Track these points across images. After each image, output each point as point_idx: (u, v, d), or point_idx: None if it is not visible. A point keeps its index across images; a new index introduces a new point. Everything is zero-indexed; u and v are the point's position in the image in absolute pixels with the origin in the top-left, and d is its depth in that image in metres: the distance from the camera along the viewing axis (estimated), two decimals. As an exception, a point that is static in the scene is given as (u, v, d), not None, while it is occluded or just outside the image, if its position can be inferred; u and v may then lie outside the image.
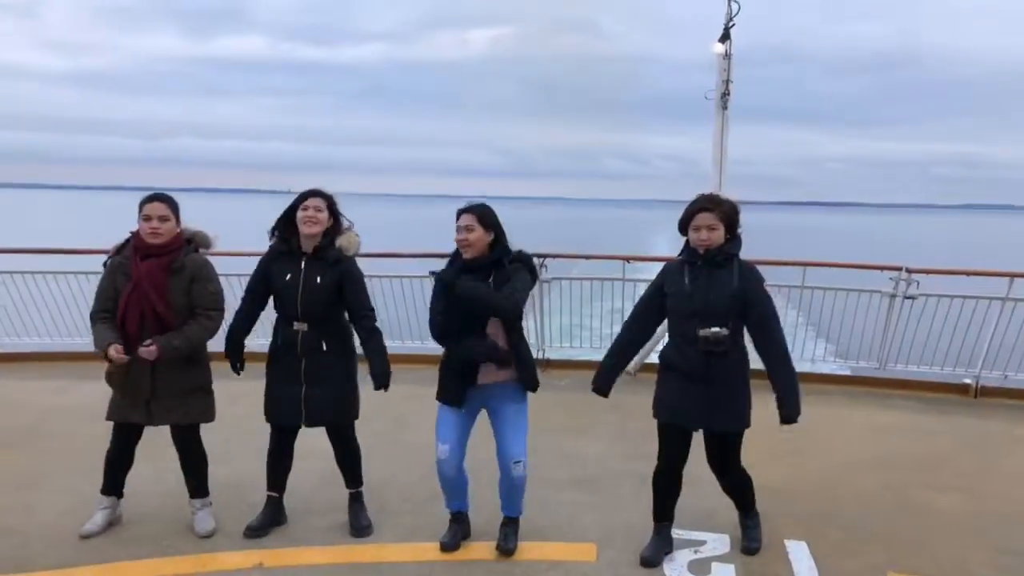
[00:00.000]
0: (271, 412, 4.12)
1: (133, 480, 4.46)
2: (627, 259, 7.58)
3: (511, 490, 4.06)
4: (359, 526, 4.16)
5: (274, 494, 4.22)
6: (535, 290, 7.81)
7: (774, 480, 5.05)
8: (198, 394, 4.04)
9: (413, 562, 3.92)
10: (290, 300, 3.97)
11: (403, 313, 7.76)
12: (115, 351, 3.76)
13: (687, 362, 3.76)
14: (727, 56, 6.65)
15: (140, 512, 4.36)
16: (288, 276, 3.97)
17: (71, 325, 8.04)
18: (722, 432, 3.85)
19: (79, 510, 4.26)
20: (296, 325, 3.97)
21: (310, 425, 4.09)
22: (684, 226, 3.83)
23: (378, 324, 4.15)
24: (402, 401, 5.66)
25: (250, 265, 4.29)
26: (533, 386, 3.98)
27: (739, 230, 3.83)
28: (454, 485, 4.06)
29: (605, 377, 4.02)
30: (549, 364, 8.13)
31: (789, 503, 4.73)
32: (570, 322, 8.29)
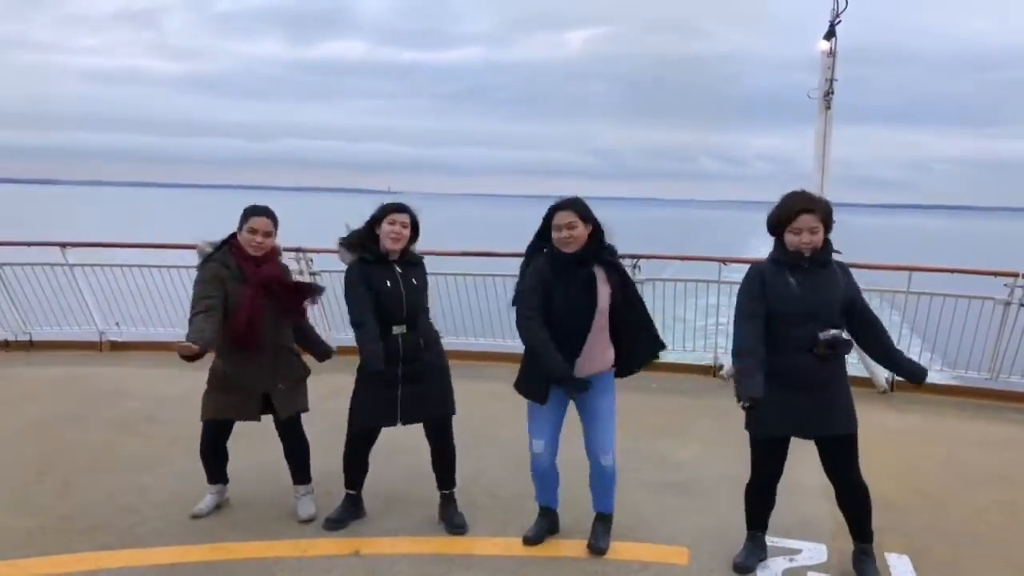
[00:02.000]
0: (360, 413, 4.13)
1: (241, 467, 4.69)
2: (724, 261, 7.42)
3: (601, 484, 4.07)
4: (454, 524, 4.22)
5: (352, 492, 4.32)
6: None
7: (878, 492, 4.80)
8: (303, 384, 4.27)
9: (504, 556, 3.97)
10: (395, 305, 4.01)
11: (494, 311, 7.83)
12: (185, 348, 3.75)
13: (797, 369, 3.60)
14: (831, 54, 6.45)
15: (247, 497, 4.56)
16: (389, 283, 4.03)
17: (180, 317, 8.44)
18: (842, 435, 3.69)
19: (189, 492, 4.49)
20: (396, 329, 4.02)
21: (407, 422, 4.12)
22: (780, 227, 3.65)
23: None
24: (492, 399, 5.76)
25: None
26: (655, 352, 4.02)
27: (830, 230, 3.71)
28: (547, 480, 4.11)
29: (754, 381, 3.59)
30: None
31: (894, 516, 4.56)
32: (662, 324, 8.20)
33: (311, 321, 4.49)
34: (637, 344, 3.97)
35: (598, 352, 3.89)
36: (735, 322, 3.74)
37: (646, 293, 7.88)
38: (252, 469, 4.82)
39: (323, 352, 4.38)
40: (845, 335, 3.62)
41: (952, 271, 7.55)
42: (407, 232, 4.06)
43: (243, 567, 3.80)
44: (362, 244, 4.04)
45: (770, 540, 4.09)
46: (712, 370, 7.94)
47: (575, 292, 3.79)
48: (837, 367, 3.67)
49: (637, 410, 6.54)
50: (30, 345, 8.70)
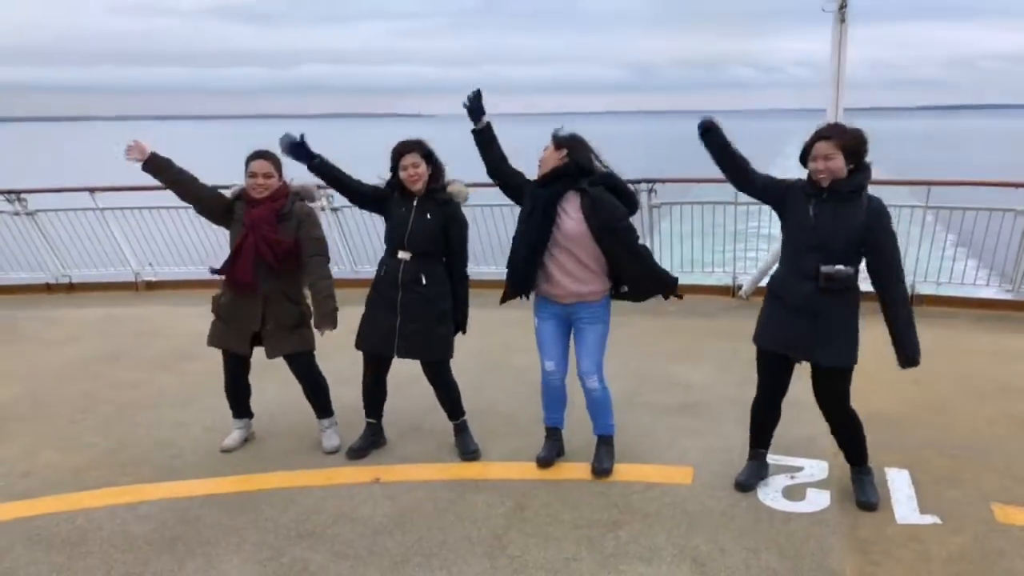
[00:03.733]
0: (364, 338, 4.31)
1: (270, 401, 4.95)
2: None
3: (593, 407, 4.26)
4: (467, 451, 4.44)
5: (373, 420, 4.54)
6: (644, 216, 7.83)
7: (883, 406, 5.02)
8: (301, 328, 4.38)
9: (517, 479, 4.18)
10: (400, 229, 4.17)
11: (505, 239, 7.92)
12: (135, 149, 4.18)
13: (797, 294, 3.68)
14: (845, -40, 6.29)
15: (274, 430, 4.83)
16: (403, 209, 4.19)
17: (211, 255, 8.68)
18: (828, 367, 3.76)
19: (222, 427, 4.75)
20: (400, 254, 4.18)
21: (401, 356, 4.28)
22: (804, 158, 3.68)
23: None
24: (510, 326, 5.91)
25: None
26: (672, 284, 4.14)
27: (866, 160, 3.63)
28: (556, 398, 4.32)
29: (712, 123, 3.79)
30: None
31: (897, 430, 4.69)
32: (681, 248, 8.25)
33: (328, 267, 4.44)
34: (638, 283, 4.10)
35: (572, 280, 4.01)
36: None
37: (663, 217, 7.93)
38: (280, 403, 5.08)
39: (316, 320, 4.30)
40: (850, 271, 3.58)
41: (972, 183, 7.45)
42: (421, 171, 4.15)
43: (271, 496, 4.06)
44: (391, 186, 4.24)
45: (773, 458, 4.25)
46: (731, 291, 8.02)
47: (531, 212, 3.98)
48: (842, 299, 3.65)
49: (653, 334, 6.69)
50: (70, 287, 9.05)
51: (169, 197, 4.53)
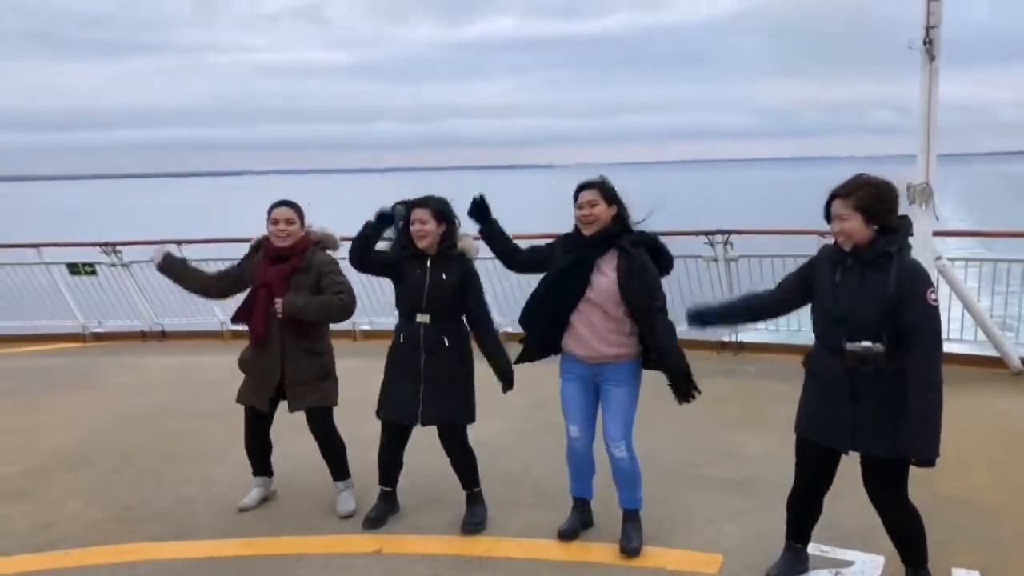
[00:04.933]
0: (386, 407, 4.12)
1: (295, 459, 4.83)
2: (822, 234, 6.84)
3: (619, 477, 3.93)
4: (469, 523, 4.15)
5: (387, 488, 4.32)
6: (720, 269, 7.39)
7: (964, 491, 4.42)
8: (323, 382, 4.29)
9: (524, 559, 3.86)
10: (416, 293, 3.99)
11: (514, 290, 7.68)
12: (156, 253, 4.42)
13: (828, 373, 3.23)
14: (934, -2, 5.74)
15: (296, 489, 4.69)
16: (417, 271, 4.01)
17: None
18: (879, 458, 3.24)
19: (249, 484, 4.62)
20: (419, 317, 4.00)
21: (425, 424, 4.07)
22: (828, 217, 3.23)
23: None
24: (548, 380, 5.58)
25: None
26: (677, 375, 3.78)
27: (893, 219, 3.12)
28: (582, 467, 4.04)
29: (707, 308, 3.69)
30: (742, 347, 7.68)
31: (976, 522, 4.08)
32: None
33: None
34: (660, 359, 3.78)
35: (600, 339, 3.77)
36: None
37: (741, 270, 7.44)
38: (305, 461, 4.94)
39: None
40: (878, 348, 3.08)
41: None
42: (429, 227, 3.98)
43: (269, 562, 3.91)
44: (402, 244, 4.07)
45: (820, 549, 3.77)
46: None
47: (564, 269, 3.76)
48: (888, 380, 3.12)
49: (722, 397, 6.19)
50: (163, 335, 9.41)
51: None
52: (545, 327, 3.87)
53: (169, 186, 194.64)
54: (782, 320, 7.77)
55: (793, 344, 7.49)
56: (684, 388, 3.76)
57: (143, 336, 9.43)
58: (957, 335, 7.01)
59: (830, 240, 3.34)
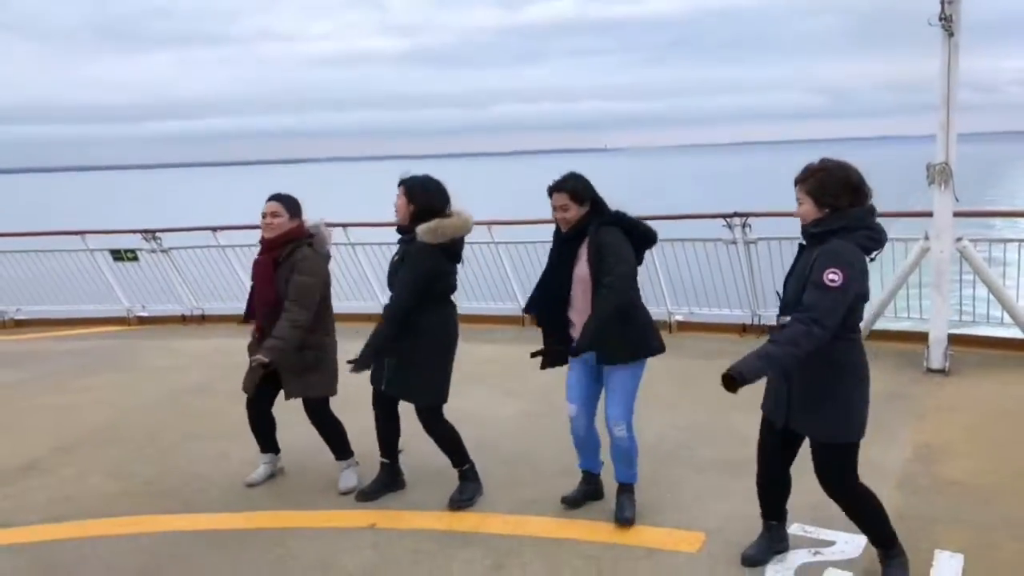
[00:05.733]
0: (372, 373, 4.24)
1: (304, 435, 4.98)
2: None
3: (617, 455, 4.04)
4: (457, 499, 4.25)
5: (385, 460, 4.44)
6: (740, 251, 7.34)
7: (964, 474, 4.37)
8: (308, 374, 4.38)
9: (510, 535, 3.95)
10: (388, 276, 4.29)
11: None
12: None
13: None
14: (951, -29, 5.57)
15: (305, 466, 4.86)
16: (396, 256, 4.26)
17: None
18: (812, 437, 3.30)
19: (259, 460, 4.81)
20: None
21: (389, 391, 4.21)
22: None
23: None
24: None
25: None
26: (646, 353, 3.93)
27: (842, 201, 3.09)
28: (584, 444, 4.17)
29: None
30: (765, 331, 7.60)
31: (969, 504, 4.04)
32: (772, 283, 7.65)
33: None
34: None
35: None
36: None
37: (760, 253, 7.38)
38: (314, 440, 5.10)
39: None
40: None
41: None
42: (400, 203, 4.13)
43: (263, 536, 4.08)
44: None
45: (804, 529, 3.81)
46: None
47: (556, 267, 3.97)
48: (824, 360, 3.10)
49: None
50: (203, 319, 9.74)
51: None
52: (551, 325, 4.02)
53: (218, 175, 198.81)
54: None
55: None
56: (558, 357, 4.00)
57: (183, 320, 9.76)
58: (983, 318, 6.86)
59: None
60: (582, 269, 3.86)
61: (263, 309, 4.34)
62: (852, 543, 3.70)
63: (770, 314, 7.63)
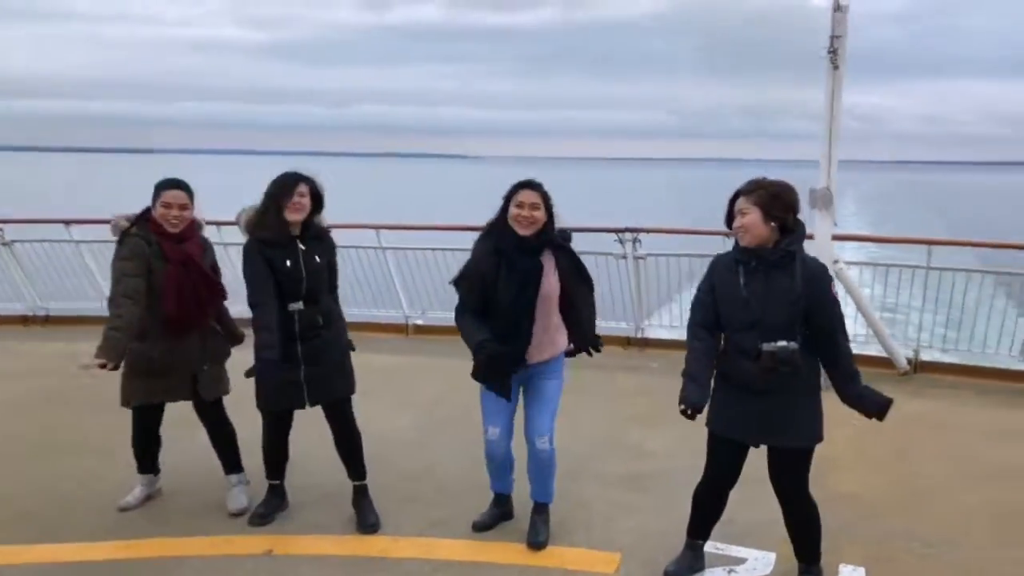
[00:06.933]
0: (269, 397, 3.92)
1: (179, 454, 4.57)
2: (728, 234, 6.96)
3: (537, 469, 3.90)
4: (366, 523, 4.02)
5: (275, 482, 4.17)
6: (629, 266, 7.46)
7: (856, 487, 4.55)
8: (224, 366, 4.20)
9: (421, 559, 3.76)
10: (295, 285, 3.81)
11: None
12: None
13: (744, 375, 3.25)
14: (838, 8, 5.86)
15: (182, 487, 4.45)
16: (289, 263, 3.80)
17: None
18: (789, 449, 3.33)
19: (134, 481, 4.34)
20: (292, 306, 3.82)
21: (313, 404, 3.94)
22: (729, 220, 3.29)
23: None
24: (459, 377, 5.50)
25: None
26: (590, 345, 3.87)
27: (794, 219, 3.21)
28: (500, 466, 3.99)
29: (701, 394, 3.31)
30: (647, 344, 7.75)
31: (865, 517, 4.19)
32: (669, 300, 7.83)
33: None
34: (583, 334, 3.85)
35: (547, 339, 3.76)
36: (688, 323, 3.48)
37: (647, 269, 7.52)
38: (190, 455, 4.68)
39: (234, 336, 4.27)
40: (793, 347, 3.15)
41: (974, 244, 6.91)
42: (307, 202, 3.85)
43: (145, 566, 3.70)
44: (261, 223, 3.82)
45: (715, 547, 3.80)
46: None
47: (519, 282, 3.63)
48: (795, 375, 3.21)
49: (625, 395, 6.25)
50: (46, 320, 8.89)
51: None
52: (519, 344, 3.68)
53: (61, 161, 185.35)
54: (687, 316, 7.92)
55: (682, 340, 7.62)
56: (594, 341, 3.88)
57: (24, 321, 8.87)
58: (850, 336, 7.25)
59: (733, 241, 3.38)
60: (550, 285, 3.68)
61: (216, 303, 4.14)
62: (763, 559, 3.76)
63: (653, 326, 7.81)
